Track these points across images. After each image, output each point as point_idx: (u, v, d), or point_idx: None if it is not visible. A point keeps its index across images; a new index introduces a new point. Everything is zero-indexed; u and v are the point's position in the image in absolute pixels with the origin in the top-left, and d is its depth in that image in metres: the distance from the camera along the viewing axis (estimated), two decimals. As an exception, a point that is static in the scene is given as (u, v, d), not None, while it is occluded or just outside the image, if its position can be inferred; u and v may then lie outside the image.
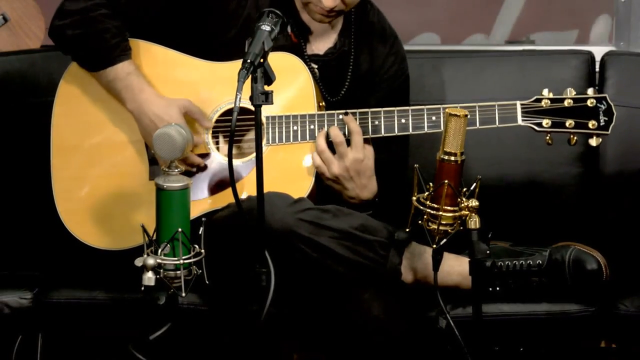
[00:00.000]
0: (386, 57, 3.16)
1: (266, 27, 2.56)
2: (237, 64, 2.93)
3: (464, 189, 2.67)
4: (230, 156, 2.46)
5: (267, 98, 2.49)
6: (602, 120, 2.86)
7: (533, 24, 4.07)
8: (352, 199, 2.96)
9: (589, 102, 2.87)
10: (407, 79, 3.20)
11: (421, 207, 2.67)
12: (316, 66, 3.08)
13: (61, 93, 3.07)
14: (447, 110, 2.65)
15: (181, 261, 2.56)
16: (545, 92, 2.89)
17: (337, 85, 3.11)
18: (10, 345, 3.07)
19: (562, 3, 4.09)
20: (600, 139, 2.87)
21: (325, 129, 2.93)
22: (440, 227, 2.66)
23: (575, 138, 2.88)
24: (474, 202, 2.64)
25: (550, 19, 4.08)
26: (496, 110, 2.89)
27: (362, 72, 3.13)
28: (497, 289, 2.88)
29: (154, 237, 2.57)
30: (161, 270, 2.55)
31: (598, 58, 3.44)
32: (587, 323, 2.90)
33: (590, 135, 2.87)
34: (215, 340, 2.97)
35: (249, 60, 2.48)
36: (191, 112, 2.97)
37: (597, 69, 3.42)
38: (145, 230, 2.58)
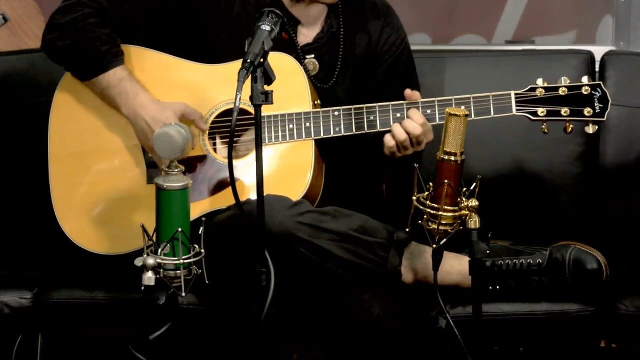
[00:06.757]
0: (382, 30, 3.13)
1: (266, 27, 2.55)
2: (231, 65, 2.96)
3: (464, 189, 2.67)
4: (230, 157, 2.46)
5: (267, 98, 2.49)
6: (597, 108, 2.86)
7: (530, 25, 4.07)
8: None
9: (583, 90, 2.87)
10: (406, 47, 3.16)
11: (421, 207, 2.67)
12: (312, 55, 3.08)
13: (57, 102, 3.07)
14: (447, 110, 2.65)
15: (181, 261, 2.56)
16: (539, 81, 2.89)
17: (334, 68, 3.10)
18: (10, 345, 3.07)
19: (561, 3, 4.08)
20: (597, 127, 2.87)
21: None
22: (440, 227, 2.66)
23: (571, 126, 2.87)
24: (474, 202, 2.64)
25: (549, 21, 4.07)
26: (491, 101, 2.89)
27: (360, 52, 3.11)
28: (498, 288, 2.88)
29: (154, 237, 2.58)
30: (161, 270, 2.55)
31: (598, 58, 3.44)
32: (587, 323, 2.90)
33: (587, 123, 2.87)
34: (215, 340, 2.97)
35: (249, 60, 2.48)
36: (188, 114, 2.96)
37: (597, 69, 3.42)
38: (145, 230, 2.58)
